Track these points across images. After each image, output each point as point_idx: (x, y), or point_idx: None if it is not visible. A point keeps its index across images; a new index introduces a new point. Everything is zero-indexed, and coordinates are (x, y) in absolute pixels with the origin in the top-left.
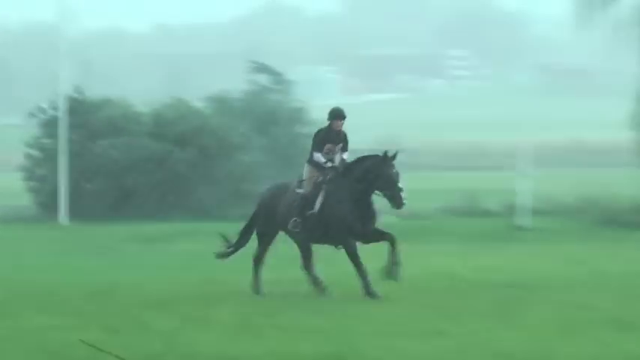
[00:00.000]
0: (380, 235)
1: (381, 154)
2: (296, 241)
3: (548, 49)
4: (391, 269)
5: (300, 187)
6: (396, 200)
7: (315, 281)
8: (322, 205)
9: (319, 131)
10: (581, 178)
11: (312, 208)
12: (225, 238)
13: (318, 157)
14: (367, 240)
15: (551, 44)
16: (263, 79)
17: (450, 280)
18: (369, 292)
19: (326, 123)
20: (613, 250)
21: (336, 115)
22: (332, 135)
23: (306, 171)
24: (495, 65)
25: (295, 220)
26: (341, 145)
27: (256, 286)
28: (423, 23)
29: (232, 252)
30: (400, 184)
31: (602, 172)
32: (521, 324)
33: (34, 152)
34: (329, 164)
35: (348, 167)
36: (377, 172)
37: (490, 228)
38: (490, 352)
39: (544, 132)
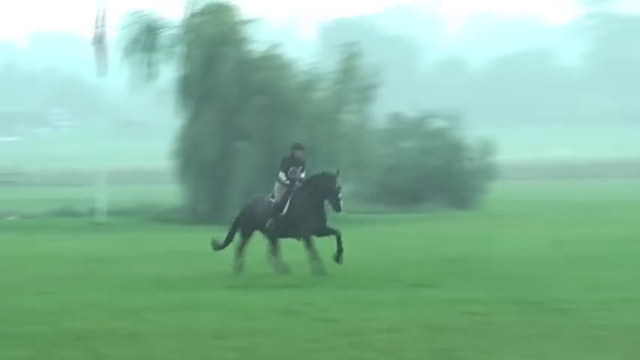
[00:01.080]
0: (329, 231)
1: (325, 173)
2: (268, 236)
3: (119, 107)
4: (338, 255)
5: (272, 197)
6: (336, 206)
7: (280, 265)
8: (288, 209)
9: (285, 158)
10: (142, 191)
11: (282, 212)
12: (214, 242)
13: (282, 176)
14: (320, 234)
15: (122, 103)
16: None
17: (53, 258)
18: (319, 270)
19: (289, 153)
20: (159, 236)
21: (297, 147)
22: (294, 161)
23: (276, 187)
24: (82, 118)
25: (271, 220)
26: (301, 167)
27: (238, 268)
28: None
29: (225, 245)
30: (340, 195)
31: (154, 187)
32: (100, 285)
33: None
34: (288, 182)
35: (305, 182)
36: (325, 186)
37: (79, 224)
38: (82, 304)
39: (111, 162)
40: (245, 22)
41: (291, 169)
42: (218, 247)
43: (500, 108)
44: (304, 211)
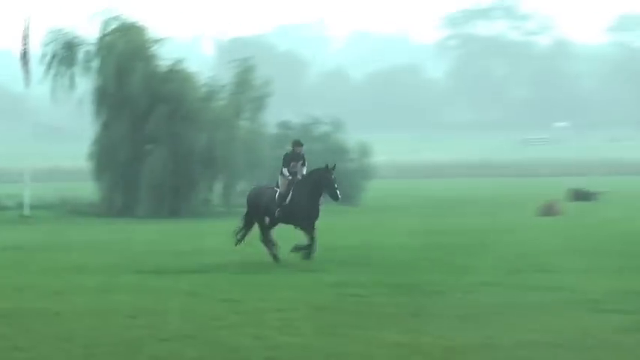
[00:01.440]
0: (312, 227)
1: (323, 168)
2: (270, 221)
3: (43, 114)
4: (307, 253)
5: (277, 187)
6: (334, 195)
7: (271, 245)
8: (291, 199)
9: (286, 154)
10: (64, 188)
11: (285, 202)
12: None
13: (285, 171)
14: (309, 226)
15: (45, 111)
16: None
17: None
18: (308, 253)
19: (290, 149)
20: (78, 228)
21: (297, 143)
22: (295, 156)
23: (280, 179)
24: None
25: (278, 210)
26: (301, 161)
27: (239, 239)
28: None
29: (244, 235)
30: (336, 186)
31: (74, 185)
32: (26, 270)
33: None
34: (290, 177)
35: (306, 176)
36: (324, 178)
37: (8, 217)
38: (10, 287)
39: (35, 162)
40: (153, 41)
41: (292, 163)
42: (238, 240)
43: (376, 116)
44: (303, 201)
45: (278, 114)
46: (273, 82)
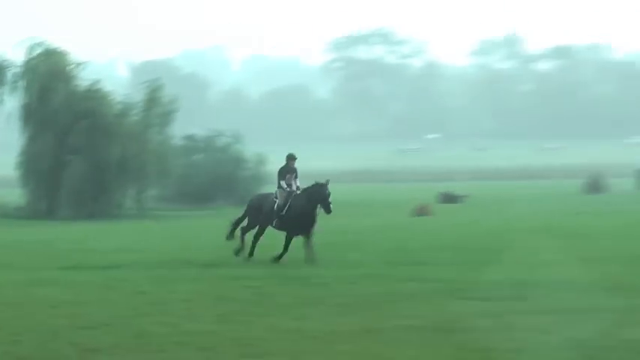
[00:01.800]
0: (309, 236)
1: (321, 182)
2: (276, 228)
3: None
4: (309, 257)
5: (276, 198)
6: (327, 209)
7: (246, 247)
8: (287, 210)
9: (282, 167)
10: None
11: (283, 211)
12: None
13: (283, 184)
14: (306, 235)
15: None
16: None
17: None
18: (276, 259)
19: (284, 162)
20: (5, 229)
21: (291, 157)
22: (289, 169)
23: (278, 191)
24: None
25: (276, 220)
26: (294, 174)
27: (252, 250)
28: None
29: (232, 230)
30: (330, 200)
31: (2, 190)
32: None
33: None
34: (288, 189)
35: (303, 190)
36: (318, 193)
37: None
38: None
39: None
40: (73, 64)
41: (287, 176)
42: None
43: (271, 129)
44: (300, 212)
45: (183, 128)
46: (178, 100)
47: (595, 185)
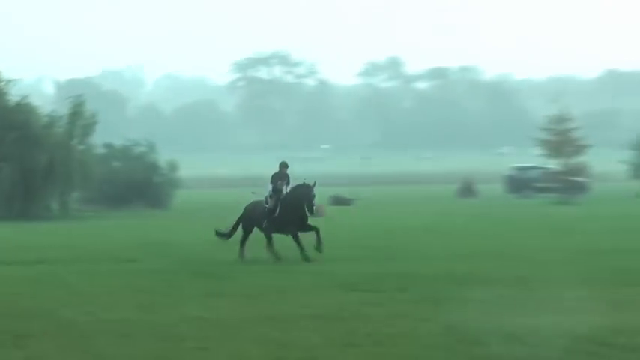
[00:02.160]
0: (309, 227)
1: (307, 184)
2: (264, 233)
3: None
4: (318, 245)
5: (267, 203)
6: (310, 209)
7: (274, 253)
8: (279, 212)
9: (275, 173)
10: None
11: (274, 214)
12: (220, 231)
13: (270, 188)
14: (303, 230)
15: None
16: None
17: None
18: (305, 257)
19: (277, 169)
20: None
21: (283, 165)
22: (281, 175)
23: (269, 196)
24: None
25: (266, 221)
26: (286, 180)
27: (241, 256)
28: None
29: (227, 237)
30: (314, 202)
31: None
32: None
33: None
34: (275, 194)
35: (290, 191)
36: (304, 194)
37: None
38: None
39: None
40: (4, 81)
41: (279, 182)
42: (222, 236)
43: (182, 140)
44: (290, 213)
45: (104, 139)
46: (99, 113)
47: (467, 190)
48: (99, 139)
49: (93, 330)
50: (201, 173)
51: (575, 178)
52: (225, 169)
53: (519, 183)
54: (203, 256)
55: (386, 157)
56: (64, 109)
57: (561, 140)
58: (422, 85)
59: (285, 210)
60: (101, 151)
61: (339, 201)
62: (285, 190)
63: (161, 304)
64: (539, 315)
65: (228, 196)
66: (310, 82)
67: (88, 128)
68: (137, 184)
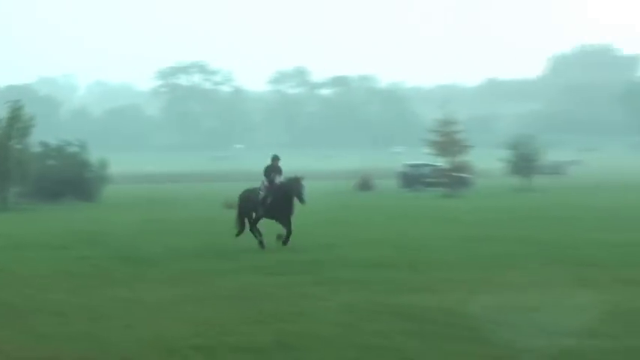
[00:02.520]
0: (288, 222)
1: (297, 177)
2: (257, 218)
3: None
4: (279, 238)
5: (261, 191)
6: (301, 200)
7: (259, 236)
8: (271, 201)
9: (268, 166)
10: None
11: (267, 202)
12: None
13: (265, 180)
14: (280, 220)
15: None
16: None
17: None
18: (285, 242)
19: (270, 162)
20: None
21: (275, 158)
22: (274, 168)
23: (263, 185)
24: None
25: (260, 208)
26: (278, 172)
27: (260, 243)
28: None
29: (241, 232)
30: (304, 192)
31: None
32: None
33: None
34: (269, 184)
35: (283, 183)
36: (294, 187)
37: None
38: None
39: None
40: None
41: (272, 174)
42: (238, 234)
43: (111, 140)
44: (281, 202)
45: (40, 139)
46: (35, 117)
47: (365, 185)
48: (35, 139)
49: (29, 310)
50: (129, 170)
51: (460, 174)
52: (150, 166)
53: (411, 178)
54: (129, 244)
55: (293, 156)
56: (3, 113)
57: (447, 141)
58: (325, 91)
59: (277, 200)
60: (37, 149)
61: None
62: (278, 179)
63: (91, 287)
64: (430, 295)
65: (153, 190)
66: (226, 88)
67: (26, 130)
68: (70, 179)
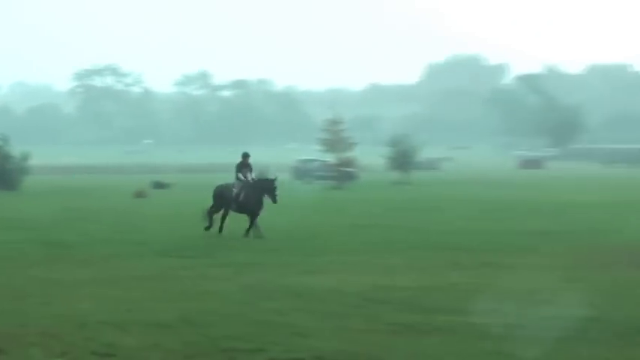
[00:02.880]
0: (255, 218)
1: (268, 178)
2: (226, 212)
3: None
4: (247, 232)
5: (234, 187)
6: (273, 199)
7: (209, 225)
8: (243, 197)
9: (239, 163)
10: None
11: (240, 198)
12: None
13: (240, 176)
14: (249, 214)
15: None
16: None
17: None
18: (259, 236)
19: (240, 160)
20: None
21: (245, 155)
22: (244, 164)
23: (236, 182)
24: None
25: (234, 204)
26: (249, 168)
27: (208, 224)
28: None
29: (209, 227)
30: (276, 192)
31: None
32: None
33: None
34: (243, 179)
35: (255, 181)
36: (267, 186)
37: None
38: None
39: None
40: None
41: (243, 170)
42: (207, 227)
43: (32, 135)
44: (252, 198)
45: None
46: None
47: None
48: None
49: None
50: (48, 162)
51: (346, 169)
52: (68, 159)
53: (303, 172)
54: (48, 230)
55: (197, 151)
56: None
57: (335, 139)
58: (226, 93)
59: (249, 196)
60: None
61: (158, 185)
62: (250, 176)
63: (11, 268)
64: (320, 276)
65: (70, 181)
66: (136, 89)
67: None
68: None
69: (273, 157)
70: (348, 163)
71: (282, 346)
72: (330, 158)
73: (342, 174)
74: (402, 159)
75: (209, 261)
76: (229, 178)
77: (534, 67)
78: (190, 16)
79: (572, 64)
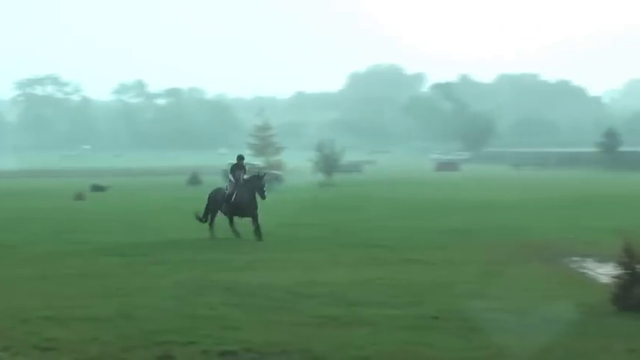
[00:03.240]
0: (255, 216)
1: (257, 176)
2: (224, 214)
3: None
4: (256, 231)
5: (226, 189)
6: (262, 196)
7: (235, 232)
8: (235, 198)
9: (233, 165)
10: None
11: (232, 199)
12: (197, 215)
13: (231, 177)
14: (248, 216)
15: None
16: None
17: None
18: (259, 236)
19: (236, 161)
20: None
21: (240, 157)
22: (239, 166)
23: (229, 183)
24: None
25: (224, 205)
26: (243, 170)
27: (212, 235)
28: None
29: (203, 221)
30: (265, 189)
31: None
32: None
33: None
34: (235, 181)
35: (245, 181)
36: (256, 183)
37: None
38: None
39: None
40: None
41: (237, 172)
42: (199, 219)
43: None
44: (245, 199)
45: None
46: None
47: (194, 180)
48: None
49: None
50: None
51: (274, 172)
52: (9, 163)
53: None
54: None
55: (133, 155)
56: None
57: (264, 144)
58: (161, 101)
59: (241, 196)
60: None
61: (97, 188)
62: (243, 178)
63: None
64: (249, 272)
65: (11, 184)
66: (76, 98)
67: None
68: None
69: (205, 161)
70: (275, 166)
71: (214, 339)
72: (260, 162)
73: (270, 177)
74: (327, 162)
75: (144, 259)
76: (164, 180)
77: (449, 76)
78: (128, 27)
79: (484, 74)
